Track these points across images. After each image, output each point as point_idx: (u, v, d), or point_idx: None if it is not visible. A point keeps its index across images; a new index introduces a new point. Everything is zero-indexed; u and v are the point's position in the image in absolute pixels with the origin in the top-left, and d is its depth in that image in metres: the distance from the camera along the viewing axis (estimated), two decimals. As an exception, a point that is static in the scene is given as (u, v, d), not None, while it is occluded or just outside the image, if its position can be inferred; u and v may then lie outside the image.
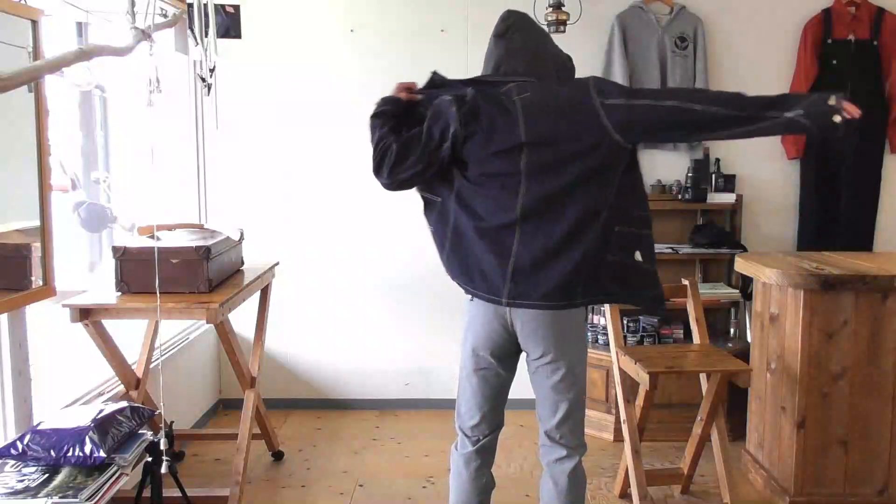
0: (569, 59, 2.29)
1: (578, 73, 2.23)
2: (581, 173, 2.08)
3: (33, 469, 2.03)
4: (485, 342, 2.23)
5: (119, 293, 2.69)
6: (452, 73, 2.33)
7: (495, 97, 2.14)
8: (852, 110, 1.93)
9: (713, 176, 3.98)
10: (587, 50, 3.95)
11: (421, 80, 2.32)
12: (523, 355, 2.27)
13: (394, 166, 2.17)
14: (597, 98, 2.08)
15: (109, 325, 2.75)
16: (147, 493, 2.34)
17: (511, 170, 2.11)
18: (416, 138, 2.17)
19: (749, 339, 3.61)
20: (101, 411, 2.22)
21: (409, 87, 2.29)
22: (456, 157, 2.16)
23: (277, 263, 3.46)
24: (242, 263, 3.25)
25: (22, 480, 1.98)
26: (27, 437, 2.09)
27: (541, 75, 2.18)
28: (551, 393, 2.23)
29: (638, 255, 2.19)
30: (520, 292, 2.13)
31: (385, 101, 2.26)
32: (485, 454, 2.34)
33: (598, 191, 2.10)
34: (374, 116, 2.24)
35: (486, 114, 2.12)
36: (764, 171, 4.09)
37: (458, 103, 2.14)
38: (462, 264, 2.20)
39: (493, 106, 2.12)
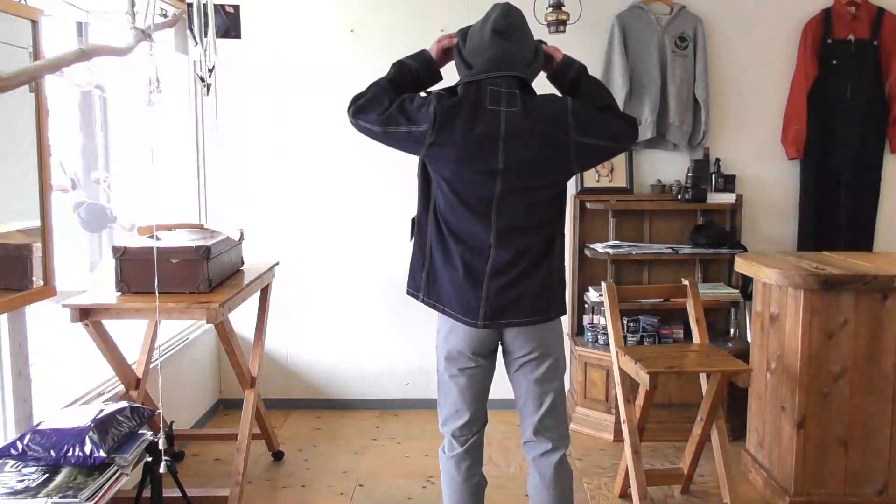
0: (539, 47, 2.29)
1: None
2: (546, 200, 2.21)
3: (33, 469, 2.03)
4: (468, 344, 2.26)
5: (119, 293, 2.69)
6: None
7: (481, 106, 2.13)
8: None
9: (713, 176, 3.98)
10: (587, 50, 3.95)
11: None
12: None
13: (360, 108, 2.23)
14: (573, 134, 2.14)
15: (109, 325, 2.75)
16: (147, 493, 2.34)
17: (485, 193, 2.16)
18: (391, 99, 2.20)
19: (749, 339, 3.61)
20: (101, 411, 2.22)
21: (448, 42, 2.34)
22: (425, 157, 2.20)
23: (277, 263, 3.46)
24: (242, 263, 3.25)
25: (22, 480, 1.98)
26: (27, 437, 2.09)
27: (528, 79, 2.21)
28: (535, 386, 2.27)
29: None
30: (494, 315, 2.20)
31: (413, 60, 2.34)
32: (474, 453, 2.35)
33: (556, 213, 2.26)
34: (395, 65, 2.33)
35: (463, 127, 2.12)
36: (764, 171, 4.09)
37: (439, 105, 2.13)
38: (436, 286, 2.26)
39: (475, 119, 2.12)
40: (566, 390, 3.59)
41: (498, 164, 2.12)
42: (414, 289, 2.32)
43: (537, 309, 2.21)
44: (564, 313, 2.32)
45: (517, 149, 2.12)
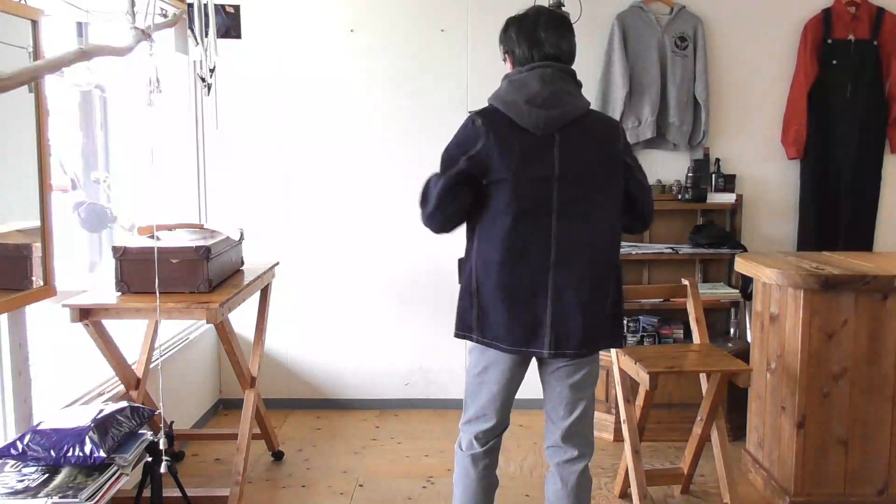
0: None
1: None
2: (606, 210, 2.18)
3: (33, 469, 2.03)
4: (511, 357, 2.20)
5: (119, 293, 2.69)
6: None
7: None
8: None
9: (713, 176, 3.98)
10: (587, 50, 3.95)
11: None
12: None
13: (422, 200, 2.16)
14: (622, 151, 2.17)
15: (109, 325, 2.75)
16: (147, 493, 2.34)
17: (541, 202, 2.09)
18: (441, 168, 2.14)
19: (749, 339, 3.61)
20: (101, 411, 2.22)
21: None
22: (482, 178, 2.10)
23: (277, 263, 3.46)
24: (242, 263, 3.25)
25: (22, 480, 1.98)
26: (27, 437, 2.09)
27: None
28: (569, 392, 2.22)
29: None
30: (560, 343, 2.13)
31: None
32: (493, 454, 2.34)
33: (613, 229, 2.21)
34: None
35: (511, 134, 2.09)
36: (764, 171, 4.09)
37: (482, 116, 2.11)
38: (488, 317, 2.17)
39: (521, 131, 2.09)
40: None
41: (555, 169, 2.09)
42: (465, 330, 2.23)
43: (599, 336, 2.18)
44: (620, 344, 2.32)
45: (574, 153, 2.11)
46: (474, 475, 2.30)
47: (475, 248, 2.17)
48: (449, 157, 2.13)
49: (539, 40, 2.14)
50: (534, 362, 2.28)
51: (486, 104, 2.16)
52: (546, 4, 3.63)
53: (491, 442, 2.31)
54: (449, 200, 2.11)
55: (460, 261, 2.28)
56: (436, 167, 2.18)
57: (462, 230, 2.23)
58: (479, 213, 2.15)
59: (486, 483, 2.33)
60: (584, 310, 2.11)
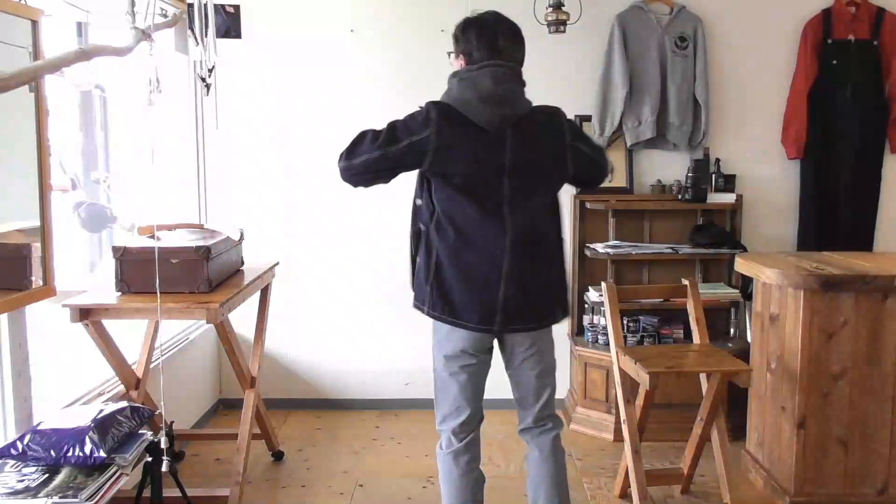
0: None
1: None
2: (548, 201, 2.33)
3: (33, 469, 2.03)
4: (471, 342, 2.30)
5: (119, 293, 2.69)
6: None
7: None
8: None
9: (713, 176, 3.98)
10: (587, 50, 3.96)
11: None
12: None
13: (349, 150, 2.27)
14: (570, 142, 2.30)
15: (109, 325, 2.75)
16: (147, 493, 2.34)
17: (493, 193, 2.22)
18: (379, 131, 2.23)
19: (749, 339, 3.61)
20: (101, 411, 2.23)
21: None
22: (427, 167, 2.22)
23: (277, 263, 3.46)
24: (242, 263, 3.25)
25: (22, 480, 1.98)
26: (27, 437, 2.09)
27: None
28: (536, 381, 2.38)
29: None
30: (511, 320, 2.27)
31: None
32: (474, 448, 2.39)
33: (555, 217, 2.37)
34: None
35: (463, 127, 2.19)
36: (764, 171, 4.09)
37: (437, 109, 2.20)
38: (444, 297, 2.29)
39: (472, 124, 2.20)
40: (567, 390, 3.68)
41: (506, 161, 2.22)
42: (420, 302, 2.37)
43: (548, 312, 2.34)
44: (569, 315, 2.41)
45: (525, 145, 2.24)
46: (457, 472, 2.35)
47: (433, 233, 2.28)
48: (392, 133, 2.21)
49: (498, 49, 2.24)
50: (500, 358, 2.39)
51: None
52: (546, 4, 3.65)
53: (469, 436, 2.36)
54: (371, 173, 2.26)
55: (416, 234, 2.38)
56: None
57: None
58: (438, 202, 2.27)
59: (471, 479, 2.37)
60: (533, 288, 2.28)
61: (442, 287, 2.27)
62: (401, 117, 2.24)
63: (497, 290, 2.23)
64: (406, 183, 4.16)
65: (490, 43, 2.23)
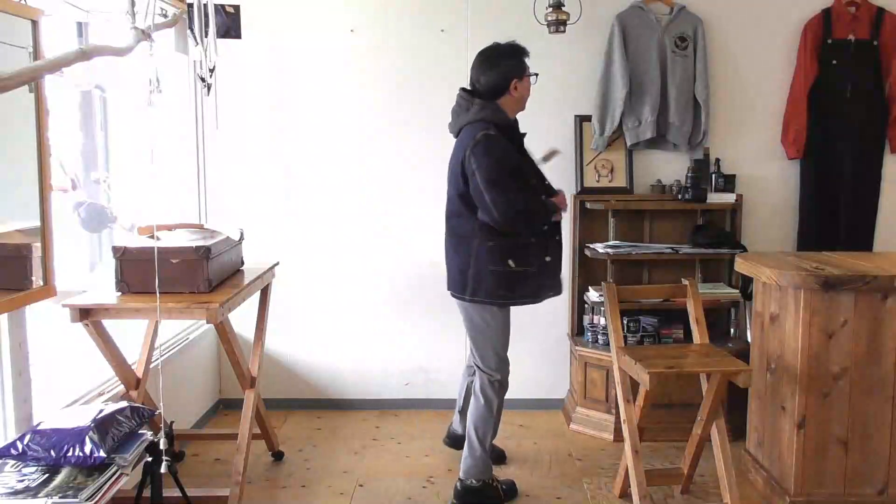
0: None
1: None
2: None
3: (33, 469, 2.03)
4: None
5: (119, 293, 2.69)
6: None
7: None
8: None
9: (713, 176, 3.98)
10: (587, 50, 3.95)
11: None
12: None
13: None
14: (466, 160, 2.89)
15: (109, 325, 2.75)
16: (147, 493, 2.34)
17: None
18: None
19: (749, 339, 3.61)
20: (101, 411, 2.23)
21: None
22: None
23: (277, 263, 3.45)
24: (242, 263, 3.25)
25: (22, 480, 1.98)
26: (27, 437, 2.09)
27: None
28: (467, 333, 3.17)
29: (511, 263, 2.92)
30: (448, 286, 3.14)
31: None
32: None
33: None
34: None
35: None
36: (764, 171, 4.09)
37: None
38: None
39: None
40: (567, 390, 3.61)
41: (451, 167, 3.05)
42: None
43: (457, 286, 3.05)
44: (483, 300, 2.96)
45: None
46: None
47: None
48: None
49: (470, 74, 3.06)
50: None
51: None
52: (546, 4, 3.65)
53: None
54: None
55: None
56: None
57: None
58: None
59: None
60: (451, 267, 3.08)
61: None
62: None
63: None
64: (406, 183, 4.15)
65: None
